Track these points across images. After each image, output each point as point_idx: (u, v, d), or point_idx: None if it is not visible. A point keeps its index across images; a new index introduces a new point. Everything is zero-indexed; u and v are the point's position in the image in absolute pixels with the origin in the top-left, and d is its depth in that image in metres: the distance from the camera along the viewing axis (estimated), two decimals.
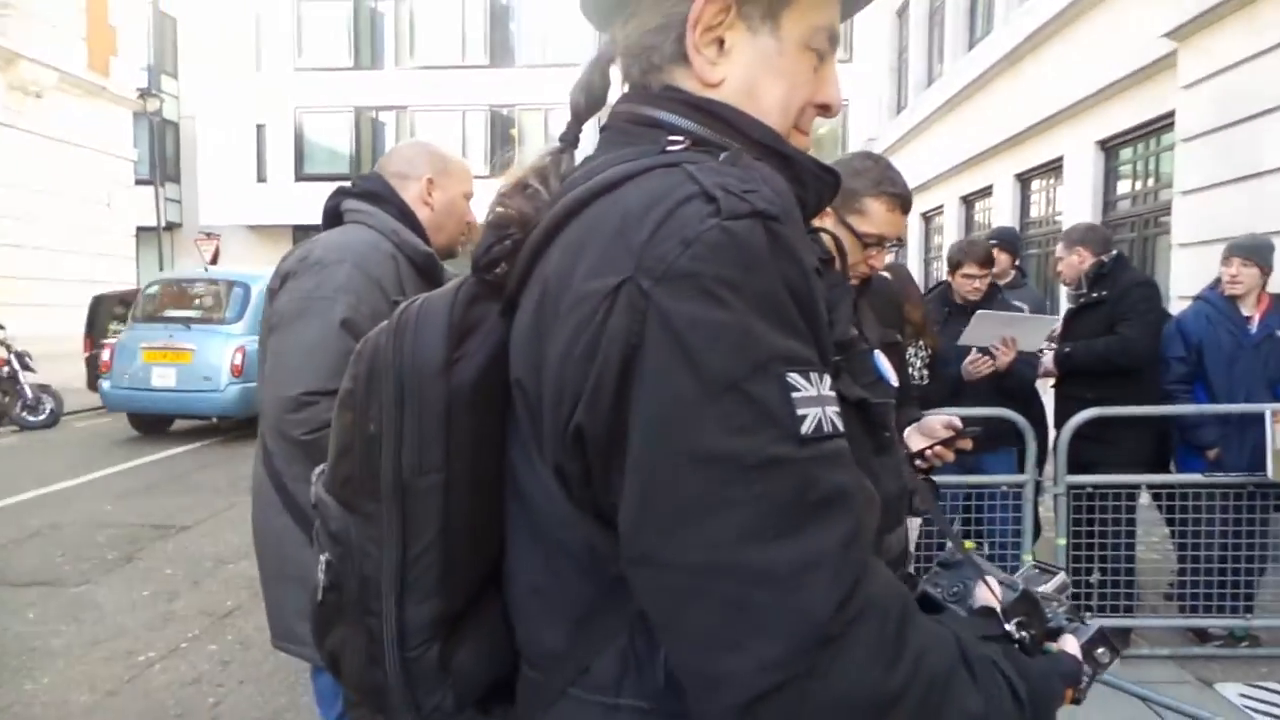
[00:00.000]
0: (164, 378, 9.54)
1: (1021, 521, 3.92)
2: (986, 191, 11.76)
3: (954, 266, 4.17)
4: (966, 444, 1.90)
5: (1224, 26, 5.86)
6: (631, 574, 0.71)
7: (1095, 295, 4.16)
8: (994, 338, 3.92)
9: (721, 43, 0.86)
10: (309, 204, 22.68)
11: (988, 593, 0.92)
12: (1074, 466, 3.91)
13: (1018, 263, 5.60)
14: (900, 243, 2.12)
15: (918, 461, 1.87)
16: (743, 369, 0.66)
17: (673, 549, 0.67)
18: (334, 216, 2.15)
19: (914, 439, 1.95)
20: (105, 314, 12.90)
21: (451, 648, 0.86)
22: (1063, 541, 3.91)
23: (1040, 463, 4.01)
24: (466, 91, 24.48)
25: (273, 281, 2.07)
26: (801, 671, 0.64)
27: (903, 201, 2.02)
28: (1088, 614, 3.71)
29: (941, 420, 1.95)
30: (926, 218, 14.86)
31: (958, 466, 2.76)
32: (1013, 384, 3.95)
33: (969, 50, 12.03)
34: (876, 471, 0.85)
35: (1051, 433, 4.24)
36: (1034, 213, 10.51)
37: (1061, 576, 1.06)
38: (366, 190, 2.15)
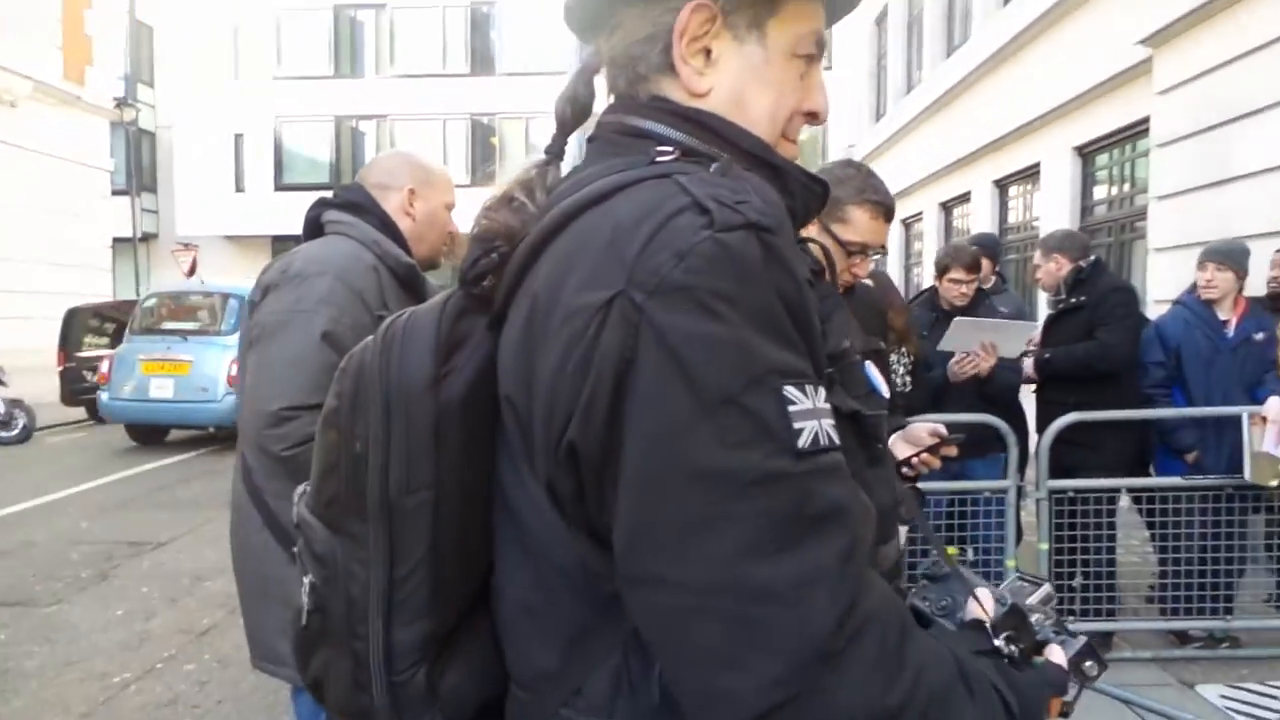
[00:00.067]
0: (162, 389, 9.77)
1: (1005, 527, 3.93)
2: (965, 198, 11.85)
3: (941, 271, 4.18)
4: (952, 451, 1.90)
5: (1199, 33, 5.94)
6: (627, 592, 0.70)
7: (1074, 300, 4.19)
8: (973, 343, 3.94)
9: (708, 53, 0.85)
10: (288, 214, 22.55)
11: (978, 607, 0.91)
12: (1055, 471, 3.94)
13: (997, 268, 5.63)
14: (884, 250, 2.12)
15: (904, 469, 1.87)
16: (739, 383, 0.65)
17: (670, 567, 0.66)
18: (315, 227, 2.12)
19: (899, 447, 1.95)
20: (80, 327, 12.75)
21: (440, 670, 0.84)
22: (1045, 546, 3.93)
23: (1022, 468, 4.03)
24: (447, 100, 24.44)
25: (253, 294, 2.05)
26: (802, 689, 0.63)
27: (886, 209, 2.02)
28: (1070, 618, 3.73)
29: (927, 428, 1.95)
30: (906, 224, 14.96)
31: (943, 473, 2.77)
32: (994, 390, 3.97)
33: (947, 57, 12.13)
34: (870, 484, 0.84)
35: (1033, 438, 4.26)
36: (1012, 218, 10.60)
37: (1046, 588, 1.05)
38: (347, 201, 2.13)
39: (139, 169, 20.76)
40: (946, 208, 12.98)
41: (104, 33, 17.60)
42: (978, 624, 0.89)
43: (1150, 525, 4.16)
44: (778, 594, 0.64)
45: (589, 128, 0.94)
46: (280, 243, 23.55)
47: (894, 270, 14.85)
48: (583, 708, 0.78)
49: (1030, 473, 4.08)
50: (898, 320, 3.60)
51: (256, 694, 3.71)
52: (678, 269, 0.67)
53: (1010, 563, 3.89)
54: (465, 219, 2.31)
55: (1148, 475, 4.22)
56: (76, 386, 12.51)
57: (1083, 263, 4.22)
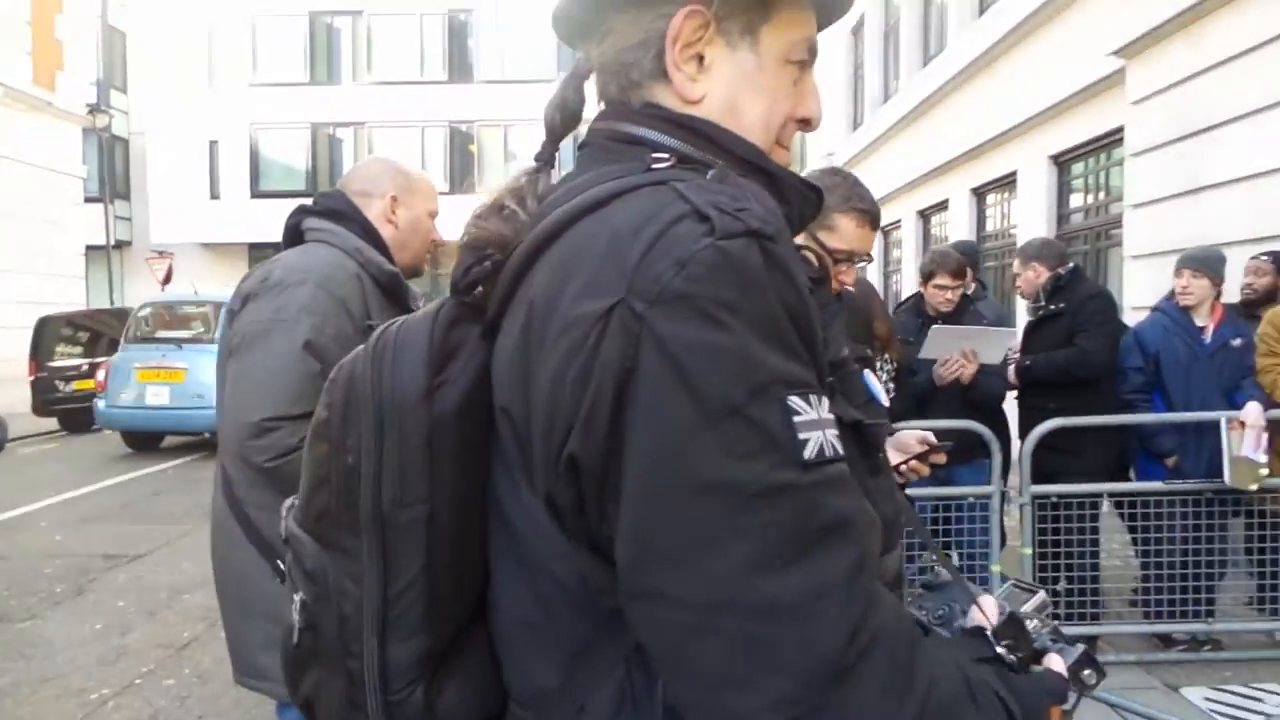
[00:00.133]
0: (158, 396, 10.00)
1: (989, 532, 3.95)
2: (943, 205, 11.96)
3: (926, 278, 4.20)
4: (941, 458, 1.90)
5: (1170, 44, 6.03)
6: (630, 608, 0.69)
7: (1053, 307, 4.22)
8: (953, 351, 3.96)
9: (701, 59, 0.85)
10: (265, 221, 22.45)
11: (981, 614, 0.90)
12: (1037, 477, 3.96)
13: (977, 275, 5.67)
14: (870, 258, 2.12)
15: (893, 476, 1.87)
16: (742, 393, 0.64)
17: (675, 582, 0.64)
18: (295, 235, 2.09)
19: (888, 454, 1.95)
20: (51, 336, 12.58)
21: (437, 688, 0.82)
22: (1029, 551, 3.95)
23: (1005, 473, 4.05)
24: (425, 107, 24.37)
25: (233, 303, 2.01)
26: (812, 707, 0.62)
27: (872, 217, 2.02)
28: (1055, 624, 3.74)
29: (916, 435, 1.95)
30: (885, 232, 15.06)
31: (928, 479, 2.78)
32: (978, 397, 3.98)
33: (924, 67, 12.25)
34: (873, 493, 0.83)
35: (1015, 443, 4.29)
36: (990, 226, 10.70)
37: (1041, 595, 1.05)
38: (329, 208, 2.09)
39: (112, 176, 20.50)
40: (925, 216, 13.09)
41: (75, 38, 17.39)
42: (978, 631, 0.89)
43: (1132, 530, 4.20)
44: (785, 609, 0.62)
45: (579, 134, 0.94)
46: (257, 250, 23.37)
47: (873, 278, 14.94)
48: None
49: (1013, 478, 4.11)
50: (881, 327, 3.61)
51: (238, 709, 3.65)
52: (679, 277, 0.66)
53: (995, 568, 3.91)
54: (444, 226, 2.31)
55: (1128, 480, 4.25)
56: (48, 397, 12.36)
57: (1061, 270, 4.26)
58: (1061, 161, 8.54)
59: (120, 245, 21.64)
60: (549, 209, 0.80)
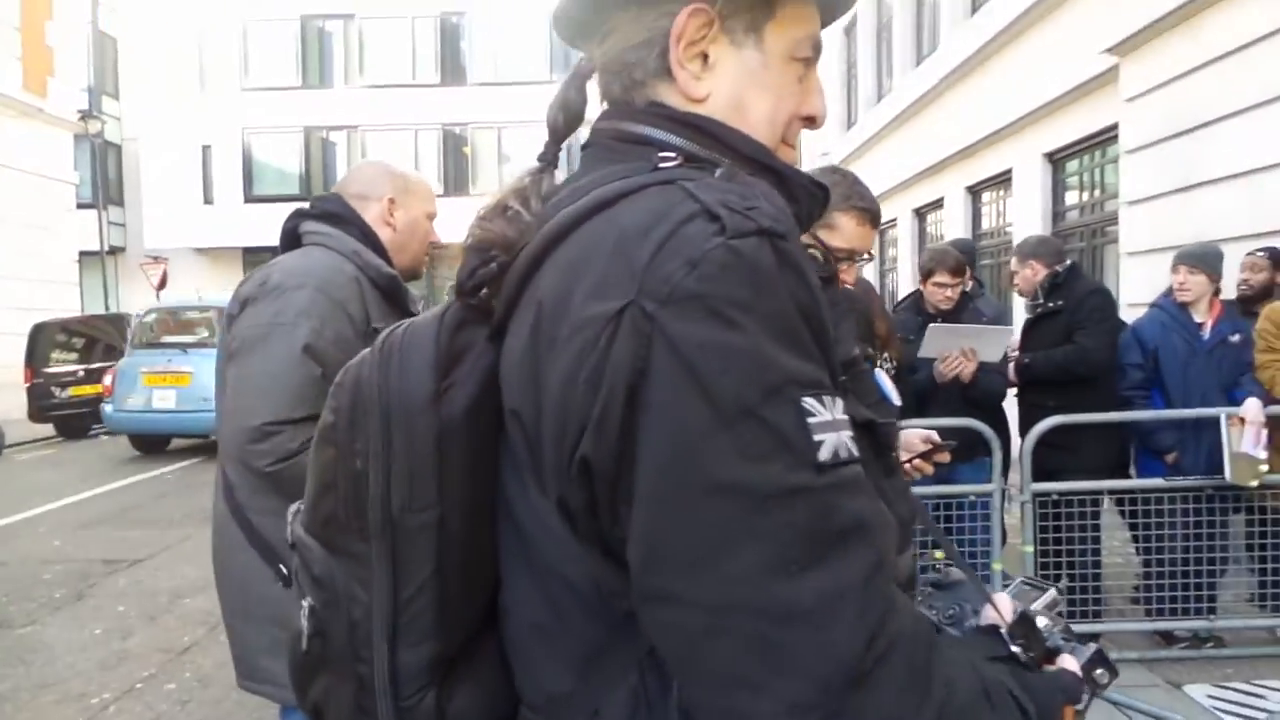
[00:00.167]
0: (164, 400, 10.21)
1: (990, 530, 3.95)
2: (938, 204, 11.98)
3: (925, 275, 4.18)
4: (945, 457, 1.90)
5: (1164, 42, 6.04)
6: (644, 611, 0.68)
7: (1051, 305, 4.23)
8: (951, 349, 3.95)
9: (705, 57, 0.84)
10: (259, 226, 22.39)
11: (995, 613, 0.90)
12: (1038, 474, 3.96)
13: (974, 274, 5.67)
14: (870, 257, 2.11)
15: None
16: (756, 394, 0.63)
17: (689, 585, 0.64)
18: (292, 239, 2.08)
19: None
20: (46, 342, 12.56)
21: (448, 694, 0.81)
22: (1030, 549, 3.95)
23: (1004, 471, 4.05)
24: (418, 110, 24.34)
25: (231, 307, 1.99)
26: (829, 713, 0.61)
27: (872, 216, 2.02)
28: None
29: (920, 434, 1.94)
30: (880, 231, 15.08)
31: (929, 477, 2.78)
32: (979, 395, 3.97)
33: (917, 66, 12.26)
34: (887, 494, 0.82)
35: (1015, 441, 4.29)
36: (985, 224, 10.71)
37: (1052, 593, 1.04)
38: (326, 211, 2.08)
39: (105, 181, 20.42)
40: (920, 214, 13.11)
41: (65, 43, 17.34)
42: (993, 629, 0.88)
43: (1133, 527, 4.20)
44: (801, 614, 0.61)
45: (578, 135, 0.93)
46: (251, 254, 23.32)
47: (869, 276, 14.96)
48: None
49: (1014, 476, 4.11)
50: (881, 326, 3.60)
51: (240, 712, 3.64)
52: (690, 277, 0.65)
53: (996, 565, 3.91)
54: (440, 229, 2.30)
55: (1128, 476, 4.25)
56: (44, 403, 12.34)
57: (1059, 267, 4.26)
58: (1056, 159, 8.56)
59: (114, 251, 21.55)
60: (554, 210, 0.80)
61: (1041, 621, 0.94)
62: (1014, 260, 4.49)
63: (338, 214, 2.07)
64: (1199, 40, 5.69)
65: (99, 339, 12.97)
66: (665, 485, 0.64)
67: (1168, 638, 4.10)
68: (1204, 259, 4.15)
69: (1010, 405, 4.31)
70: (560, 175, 0.91)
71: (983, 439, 3.81)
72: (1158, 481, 4.01)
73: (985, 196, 10.65)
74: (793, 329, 0.67)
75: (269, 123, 24.40)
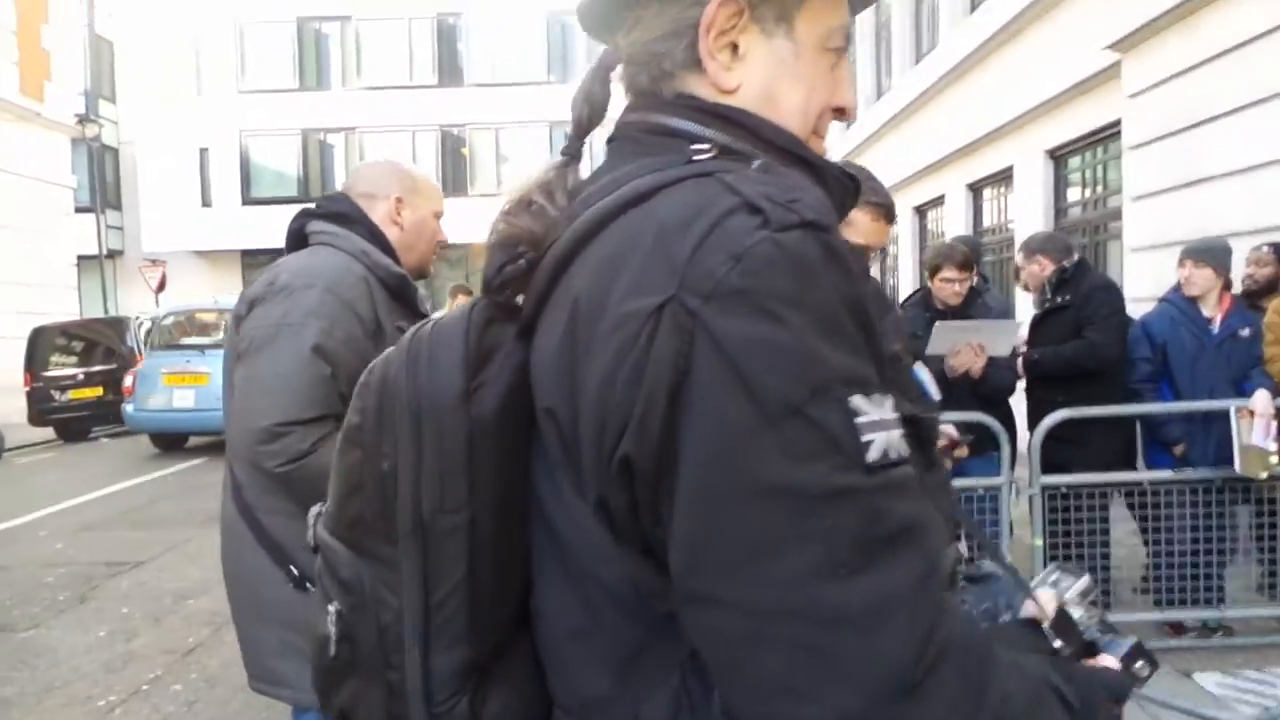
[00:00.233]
0: (184, 399, 10.56)
1: (999, 524, 3.95)
2: (939, 201, 11.96)
3: (933, 271, 4.16)
4: (963, 452, 1.89)
5: (1166, 38, 6.03)
6: (686, 614, 0.66)
7: (1059, 300, 4.22)
8: (959, 345, 3.93)
9: (735, 47, 0.82)
10: (257, 228, 22.34)
11: (1035, 608, 0.88)
12: (1047, 468, 3.96)
13: (978, 270, 5.66)
14: (884, 253, 2.10)
15: None
16: (803, 392, 0.61)
17: (734, 589, 0.62)
18: (299, 239, 2.06)
19: None
20: (46, 346, 12.56)
21: (481, 698, 0.79)
22: (1039, 542, 3.96)
23: (1011, 465, 4.05)
24: (416, 111, 24.31)
25: (239, 308, 1.98)
26: None
27: (886, 211, 2.01)
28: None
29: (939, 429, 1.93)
30: None
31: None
32: (987, 390, 3.95)
33: (916, 64, 12.25)
34: (931, 490, 0.80)
35: (1023, 435, 4.28)
36: (987, 221, 10.70)
37: (1086, 579, 0.99)
38: (333, 211, 2.07)
39: (103, 185, 20.39)
40: (921, 211, 13.09)
41: (62, 47, 17.31)
42: (1034, 624, 0.86)
43: (1142, 519, 4.20)
44: (850, 619, 0.59)
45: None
46: (250, 257, 23.30)
47: (872, 273, 14.95)
48: None
49: (1021, 470, 4.10)
50: None
51: (248, 712, 3.62)
52: (734, 272, 0.63)
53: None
54: (447, 227, 2.29)
55: (1136, 469, 4.25)
56: (44, 406, 12.33)
57: (1066, 263, 4.25)
58: (1058, 155, 8.54)
59: (113, 254, 21.50)
60: (583, 205, 0.78)
61: (1076, 613, 0.92)
62: (1020, 256, 4.48)
63: (345, 213, 2.06)
64: (1202, 36, 5.68)
65: (98, 342, 12.95)
66: (708, 486, 0.62)
67: (1177, 628, 4.11)
68: (1210, 253, 4.15)
69: (1018, 400, 4.30)
70: (585, 169, 0.90)
71: (990, 433, 3.80)
72: (1167, 474, 4.01)
73: (986, 193, 10.63)
74: (839, 324, 0.65)
75: (266, 125, 24.37)
